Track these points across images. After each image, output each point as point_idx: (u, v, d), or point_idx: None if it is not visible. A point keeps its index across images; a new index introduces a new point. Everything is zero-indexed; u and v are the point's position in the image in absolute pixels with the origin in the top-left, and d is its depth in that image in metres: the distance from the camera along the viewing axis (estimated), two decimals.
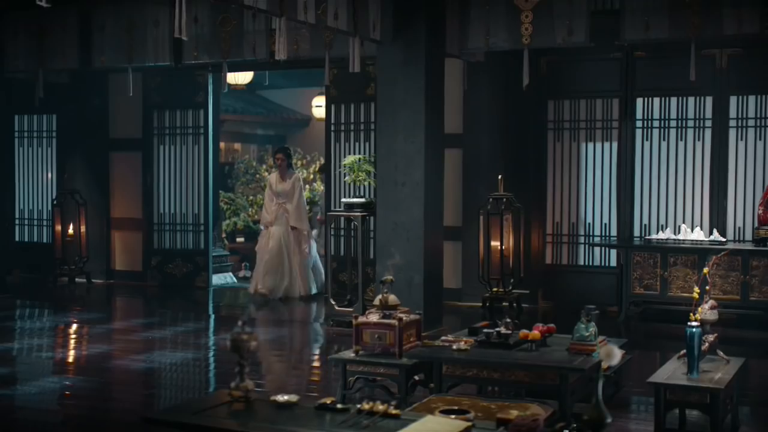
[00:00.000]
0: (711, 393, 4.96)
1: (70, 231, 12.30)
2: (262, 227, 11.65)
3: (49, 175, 13.15)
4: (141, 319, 10.46)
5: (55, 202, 12.49)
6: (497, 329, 5.54)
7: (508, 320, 5.66)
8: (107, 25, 10.37)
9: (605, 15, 9.38)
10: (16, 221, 13.33)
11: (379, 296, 5.83)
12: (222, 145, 16.31)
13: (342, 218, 9.73)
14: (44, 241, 13.07)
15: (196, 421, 3.58)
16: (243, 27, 9.72)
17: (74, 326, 9.86)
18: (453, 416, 3.62)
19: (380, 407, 3.60)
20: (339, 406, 3.71)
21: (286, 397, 3.80)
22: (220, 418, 3.63)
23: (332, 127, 11.24)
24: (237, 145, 17.79)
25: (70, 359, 8.30)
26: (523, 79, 8.73)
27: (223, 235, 14.17)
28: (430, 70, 8.79)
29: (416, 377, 5.85)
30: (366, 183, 9.71)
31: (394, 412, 3.57)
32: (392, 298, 5.81)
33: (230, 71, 10.60)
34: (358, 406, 3.66)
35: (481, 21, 8.91)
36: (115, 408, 6.52)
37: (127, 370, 7.59)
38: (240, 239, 15.13)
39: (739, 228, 9.99)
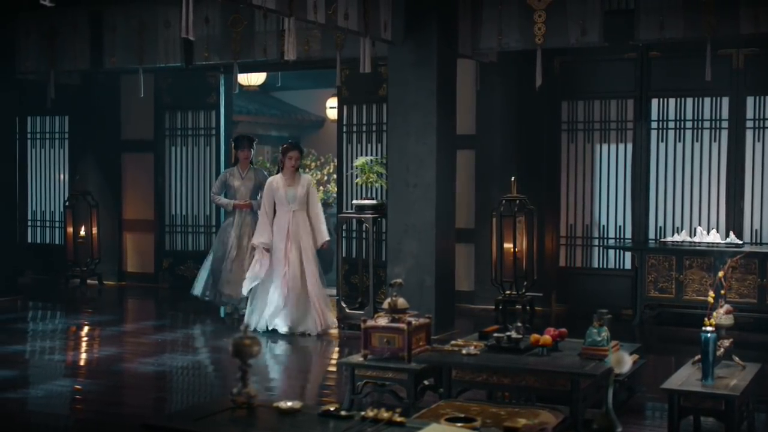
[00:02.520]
0: (726, 400, 4.85)
1: (82, 232, 12.28)
2: (256, 248, 9.16)
3: (62, 176, 13.14)
4: (152, 321, 10.43)
5: (67, 204, 12.47)
6: (508, 333, 5.45)
7: (519, 324, 5.57)
8: (118, 26, 10.35)
9: (619, 15, 9.28)
10: (29, 222, 13.33)
11: (388, 299, 5.74)
12: None
13: (353, 220, 9.66)
14: (56, 242, 13.06)
15: (196, 428, 3.50)
16: (254, 28, 9.67)
17: (85, 328, 9.83)
18: (459, 424, 3.53)
19: (385, 414, 3.52)
20: (343, 413, 3.63)
21: (289, 404, 3.72)
22: (222, 424, 3.56)
23: (344, 128, 11.17)
24: None
25: (80, 362, 8.28)
26: (536, 80, 8.64)
27: None
28: (442, 70, 8.73)
29: (426, 382, 5.76)
30: (377, 184, 9.64)
31: (398, 419, 3.49)
32: (401, 302, 5.72)
33: (241, 72, 10.53)
34: (362, 413, 3.58)
35: (493, 21, 8.82)
36: (123, 412, 6.46)
37: (137, 374, 7.54)
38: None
39: (756, 230, 9.85)
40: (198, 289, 10.34)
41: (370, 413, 3.55)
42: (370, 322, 5.72)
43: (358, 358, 5.75)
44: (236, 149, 10.23)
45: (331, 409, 3.65)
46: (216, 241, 10.44)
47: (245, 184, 10.15)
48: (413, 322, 5.62)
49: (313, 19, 7.36)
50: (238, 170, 10.21)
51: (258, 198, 9.94)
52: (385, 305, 5.74)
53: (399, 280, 5.92)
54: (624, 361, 3.18)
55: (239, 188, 10.13)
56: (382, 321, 5.68)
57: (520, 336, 5.42)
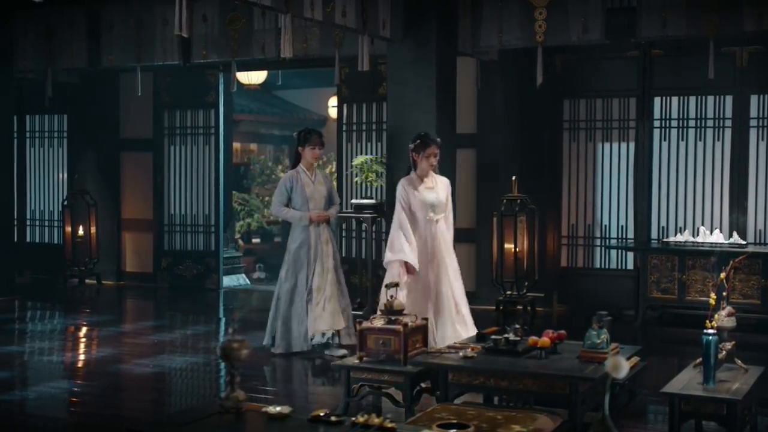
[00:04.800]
0: (728, 404, 4.74)
1: (81, 232, 12.21)
2: (394, 275, 6.65)
3: (61, 175, 13.06)
4: (150, 321, 10.34)
5: (65, 203, 12.41)
6: (505, 335, 5.35)
7: (517, 326, 5.47)
8: (116, 24, 10.32)
9: (621, 12, 9.18)
10: (27, 222, 13.26)
11: (385, 301, 5.66)
12: (238, 145, 16.20)
13: (352, 220, 9.57)
14: (55, 242, 12.99)
15: None
16: (252, 26, 9.61)
17: (82, 329, 9.75)
18: (453, 430, 3.44)
19: (376, 420, 3.44)
20: (333, 418, 3.55)
21: (278, 409, 3.64)
22: (208, 430, 3.47)
23: (344, 127, 11.10)
24: (253, 146, 17.69)
25: (77, 363, 8.19)
26: (537, 78, 8.56)
27: (237, 236, 14.05)
28: (442, 68, 8.65)
29: (423, 384, 5.67)
30: (376, 184, 9.55)
31: (389, 425, 3.41)
32: (398, 303, 5.63)
33: (239, 70, 10.48)
34: (353, 418, 3.50)
35: (494, 18, 8.76)
36: (119, 414, 6.36)
37: (134, 375, 7.46)
38: (256, 240, 15.02)
39: (760, 230, 9.75)
40: (267, 337, 8.05)
41: (361, 419, 3.47)
42: (366, 324, 5.63)
43: (353, 360, 5.66)
44: (303, 146, 7.83)
45: (321, 414, 3.57)
46: (285, 272, 7.86)
47: (318, 190, 7.88)
48: (410, 324, 5.53)
49: (310, 16, 7.29)
50: (305, 173, 7.89)
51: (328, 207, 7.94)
52: (382, 306, 5.66)
53: (396, 281, 5.83)
54: (621, 366, 3.08)
55: (313, 195, 7.83)
56: (378, 322, 5.59)
57: (518, 338, 5.32)
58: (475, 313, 9.98)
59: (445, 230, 6.92)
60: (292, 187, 7.81)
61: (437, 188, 6.98)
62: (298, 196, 7.79)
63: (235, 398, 3.65)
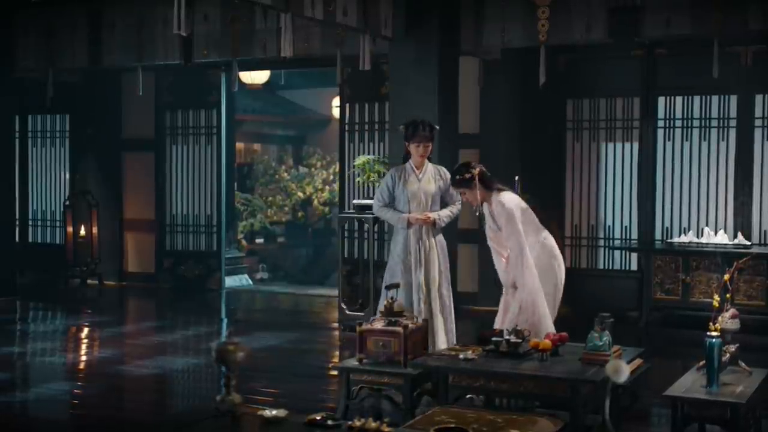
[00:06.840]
0: (731, 407, 4.69)
1: (82, 232, 12.18)
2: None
3: (62, 175, 13.01)
4: (152, 322, 10.31)
5: (67, 203, 12.37)
6: (507, 338, 5.30)
7: (519, 328, 5.42)
8: (117, 23, 10.27)
9: (625, 11, 9.08)
10: (29, 222, 13.21)
11: (385, 302, 5.61)
12: (241, 145, 16.18)
13: (354, 220, 9.52)
14: (56, 242, 12.93)
15: None
16: (254, 25, 9.56)
17: (83, 330, 9.72)
18: None
19: (372, 424, 3.39)
20: (329, 422, 3.51)
21: (274, 412, 3.59)
22: None
23: (346, 127, 11.05)
24: (256, 146, 17.66)
25: (77, 364, 8.16)
26: (540, 77, 8.50)
27: (239, 237, 14.01)
28: (444, 68, 8.60)
29: (425, 386, 5.61)
30: (378, 184, 9.49)
31: (386, 429, 3.36)
32: (398, 304, 5.59)
33: (241, 70, 10.44)
34: (349, 422, 3.45)
35: (496, 17, 8.71)
36: (118, 416, 6.32)
37: (135, 376, 7.43)
38: (259, 240, 14.99)
39: (765, 231, 9.68)
40: None
41: (357, 423, 3.43)
42: (366, 326, 5.59)
43: (353, 362, 5.61)
44: (408, 141, 6.78)
45: (318, 417, 3.52)
46: (385, 279, 6.73)
47: (424, 189, 6.81)
48: (410, 326, 5.48)
49: (311, 15, 7.24)
50: (412, 169, 6.82)
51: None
52: (381, 308, 5.61)
53: (396, 282, 5.77)
54: (621, 369, 3.03)
55: (416, 194, 6.77)
56: (378, 324, 5.55)
57: (520, 340, 5.27)
58: (478, 315, 10.05)
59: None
60: (395, 185, 6.81)
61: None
62: (401, 194, 6.78)
63: (231, 401, 3.60)
